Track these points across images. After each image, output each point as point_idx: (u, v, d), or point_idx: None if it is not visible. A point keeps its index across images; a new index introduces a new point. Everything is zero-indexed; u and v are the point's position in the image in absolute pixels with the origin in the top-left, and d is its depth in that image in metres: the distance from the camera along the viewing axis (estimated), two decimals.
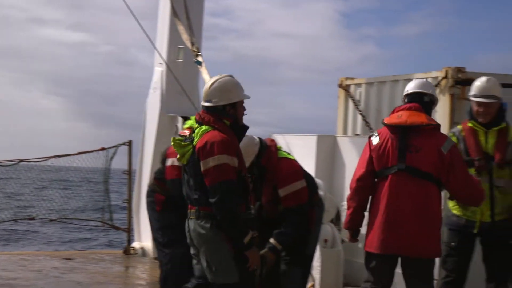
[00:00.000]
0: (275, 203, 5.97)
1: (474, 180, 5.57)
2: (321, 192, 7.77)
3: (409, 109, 5.59)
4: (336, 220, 8.07)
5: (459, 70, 8.74)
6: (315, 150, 8.55)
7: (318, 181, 8.06)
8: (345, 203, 7.98)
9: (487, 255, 6.04)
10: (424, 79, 6.10)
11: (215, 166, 4.91)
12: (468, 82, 8.72)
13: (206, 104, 5.18)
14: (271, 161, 5.97)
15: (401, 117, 5.51)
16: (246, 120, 6.40)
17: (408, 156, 5.39)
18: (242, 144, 5.52)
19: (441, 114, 8.92)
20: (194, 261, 5.31)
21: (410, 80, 9.42)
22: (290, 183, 5.91)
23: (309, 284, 7.15)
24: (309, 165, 8.55)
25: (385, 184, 5.40)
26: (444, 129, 8.63)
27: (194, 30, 10.26)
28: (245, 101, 5.24)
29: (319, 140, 8.58)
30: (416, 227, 5.32)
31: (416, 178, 5.35)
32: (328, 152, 8.58)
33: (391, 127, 5.51)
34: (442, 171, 5.37)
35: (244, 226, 4.99)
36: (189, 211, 5.17)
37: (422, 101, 5.67)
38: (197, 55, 9.77)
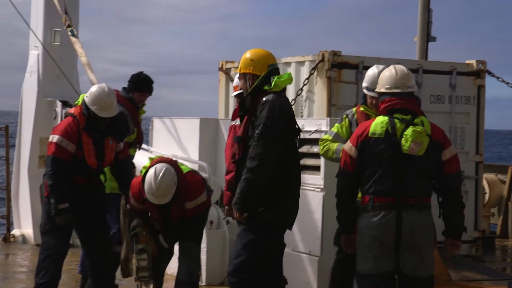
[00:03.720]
0: (183, 213, 6.33)
1: None
2: (205, 175, 7.91)
3: None
4: (221, 201, 8.21)
5: (335, 53, 9.07)
6: (198, 133, 8.67)
7: (203, 163, 8.21)
8: None
9: None
10: None
11: (455, 154, 5.13)
12: (344, 65, 9.09)
13: (410, 90, 5.16)
14: (180, 180, 6.21)
15: None
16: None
17: None
18: (168, 181, 6.04)
19: (319, 96, 9.23)
20: (382, 257, 5.03)
21: (289, 63, 9.70)
22: (197, 197, 6.31)
23: None
24: (193, 148, 8.68)
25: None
26: (323, 111, 9.00)
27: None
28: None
29: (202, 123, 8.72)
30: None
31: None
32: (211, 134, 8.73)
33: None
34: None
35: None
36: (391, 202, 4.99)
37: None
38: (69, 26, 9.64)
